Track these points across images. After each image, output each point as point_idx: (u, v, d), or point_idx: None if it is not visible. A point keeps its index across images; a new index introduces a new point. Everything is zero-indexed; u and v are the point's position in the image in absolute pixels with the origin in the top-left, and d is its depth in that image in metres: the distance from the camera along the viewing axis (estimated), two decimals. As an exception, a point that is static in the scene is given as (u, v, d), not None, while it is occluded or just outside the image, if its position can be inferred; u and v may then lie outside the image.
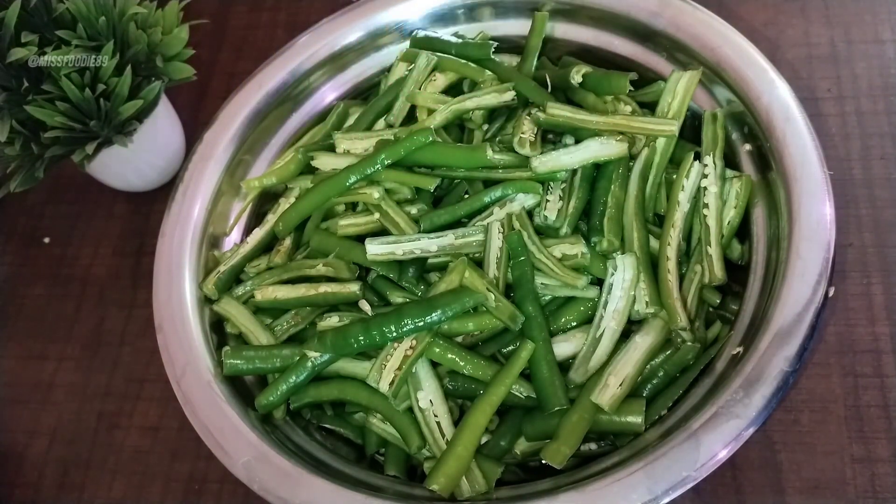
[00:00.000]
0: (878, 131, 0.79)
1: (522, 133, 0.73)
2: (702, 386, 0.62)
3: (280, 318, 0.73)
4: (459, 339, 0.67)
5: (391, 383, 0.64)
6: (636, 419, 0.62)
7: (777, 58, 0.83)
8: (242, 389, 0.70)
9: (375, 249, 0.70)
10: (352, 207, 0.78)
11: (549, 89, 0.79)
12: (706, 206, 0.70)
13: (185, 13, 0.82)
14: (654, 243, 0.69)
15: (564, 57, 0.83)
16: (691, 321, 0.66)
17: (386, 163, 0.73)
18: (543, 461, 0.62)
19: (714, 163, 0.71)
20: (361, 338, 0.65)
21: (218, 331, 0.74)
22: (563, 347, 0.66)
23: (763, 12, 0.88)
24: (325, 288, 0.71)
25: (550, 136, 0.78)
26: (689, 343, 0.65)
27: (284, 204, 0.79)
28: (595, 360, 0.64)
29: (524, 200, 0.72)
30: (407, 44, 0.85)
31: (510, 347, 0.67)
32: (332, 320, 0.69)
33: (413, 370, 0.65)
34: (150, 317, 0.71)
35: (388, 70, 0.86)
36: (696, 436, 0.56)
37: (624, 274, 0.65)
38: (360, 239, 0.72)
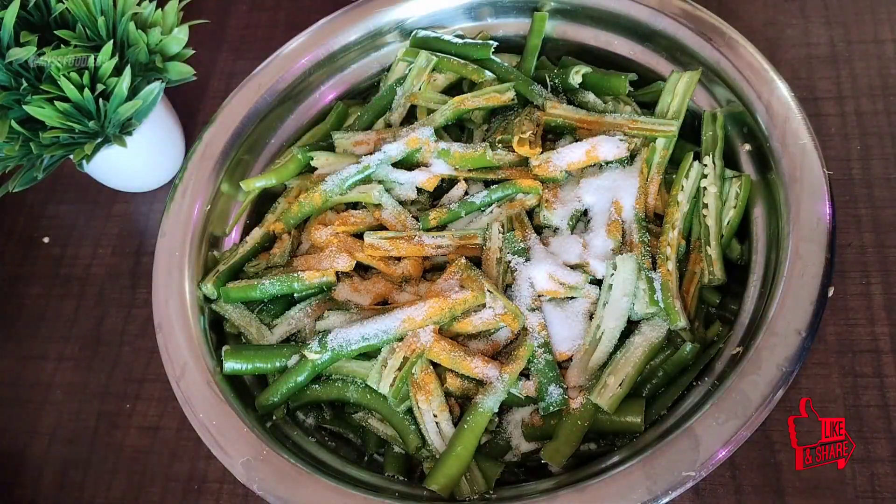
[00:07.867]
0: (877, 131, 0.79)
1: (522, 133, 0.73)
2: (702, 386, 0.62)
3: (280, 318, 0.73)
4: (459, 338, 0.67)
5: (392, 384, 0.64)
6: (636, 419, 0.62)
7: (777, 58, 0.83)
8: (242, 389, 0.70)
9: (374, 241, 0.70)
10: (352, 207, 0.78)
11: (549, 89, 0.79)
12: (706, 206, 0.70)
13: (184, 13, 0.82)
14: (653, 243, 0.69)
15: (564, 57, 0.83)
16: (691, 321, 0.66)
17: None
18: (543, 461, 0.62)
19: (713, 163, 0.71)
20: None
21: (217, 330, 0.74)
22: (563, 347, 0.66)
23: (763, 12, 0.88)
24: None
25: (550, 137, 0.78)
26: (689, 343, 0.65)
27: (284, 204, 0.79)
28: (595, 360, 0.64)
29: (524, 200, 0.72)
30: (407, 44, 0.85)
31: (510, 347, 0.67)
32: (332, 320, 0.69)
33: (413, 371, 0.65)
34: (150, 316, 0.72)
35: (387, 70, 0.86)
36: (696, 436, 0.56)
37: (624, 274, 0.65)
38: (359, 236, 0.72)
